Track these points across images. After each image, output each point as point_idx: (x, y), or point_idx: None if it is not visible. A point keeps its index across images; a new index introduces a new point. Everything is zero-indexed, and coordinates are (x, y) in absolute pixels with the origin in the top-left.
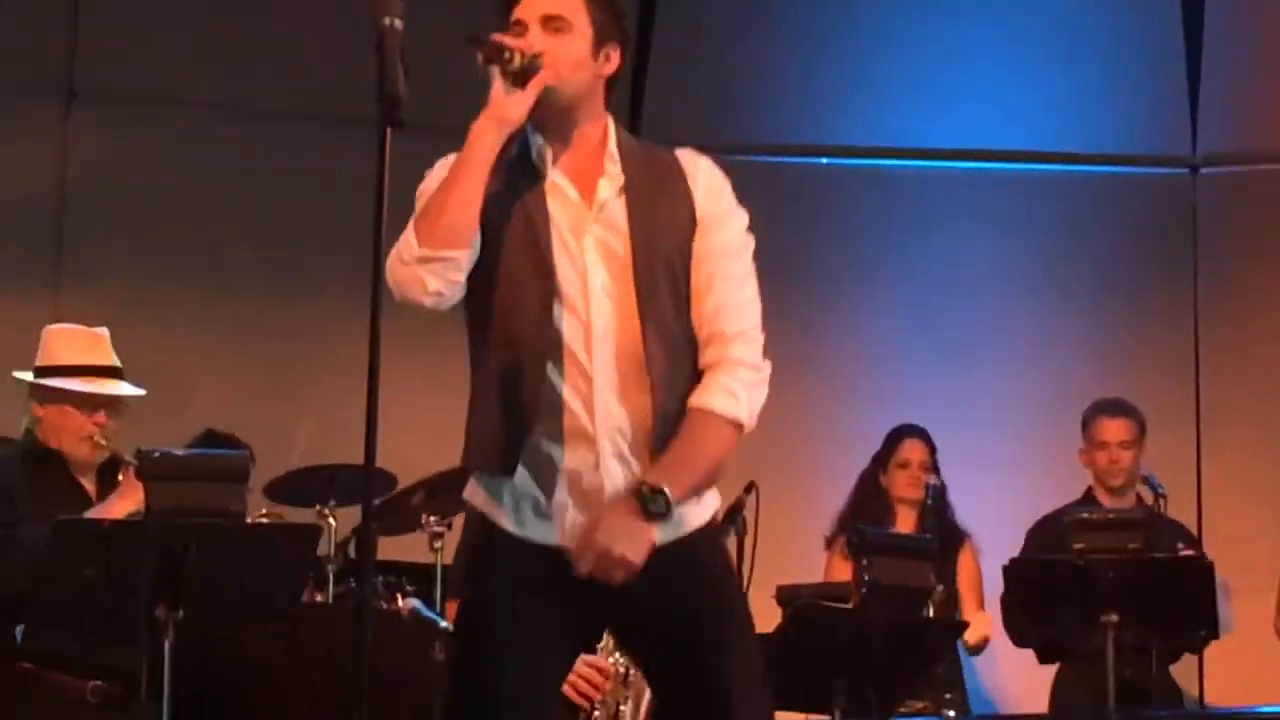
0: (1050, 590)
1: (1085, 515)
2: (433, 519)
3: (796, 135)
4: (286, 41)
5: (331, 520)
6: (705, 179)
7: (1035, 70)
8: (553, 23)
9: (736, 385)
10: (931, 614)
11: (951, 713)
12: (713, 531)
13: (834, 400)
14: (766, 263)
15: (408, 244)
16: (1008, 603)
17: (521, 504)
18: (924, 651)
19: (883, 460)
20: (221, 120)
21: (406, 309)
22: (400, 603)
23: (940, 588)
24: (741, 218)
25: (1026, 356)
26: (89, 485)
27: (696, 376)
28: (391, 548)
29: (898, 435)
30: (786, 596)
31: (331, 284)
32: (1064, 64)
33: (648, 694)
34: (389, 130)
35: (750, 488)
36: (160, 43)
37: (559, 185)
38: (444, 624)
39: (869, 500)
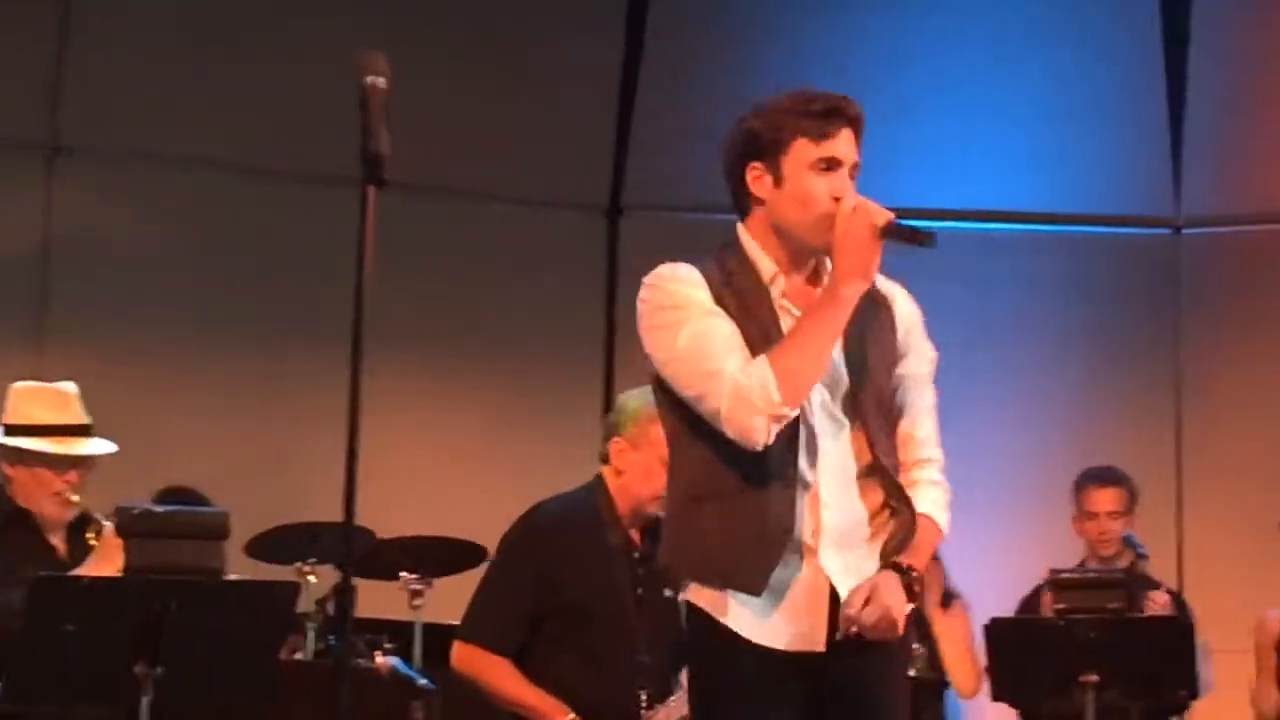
0: (1031, 649)
1: (1066, 575)
2: (412, 576)
3: None
4: (270, 97)
5: (311, 577)
6: (904, 306)
7: (1019, 130)
8: (853, 172)
9: (941, 497)
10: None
11: None
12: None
13: None
14: None
15: (767, 394)
16: (991, 662)
17: (765, 613)
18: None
19: None
20: (205, 176)
21: (387, 368)
22: (379, 660)
23: (919, 648)
24: (933, 350)
25: (1005, 415)
26: (59, 543)
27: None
28: (370, 605)
29: None
30: None
31: (312, 341)
32: (1047, 124)
33: None
34: (372, 189)
35: None
36: (143, 98)
37: (791, 312)
38: (422, 682)
39: None
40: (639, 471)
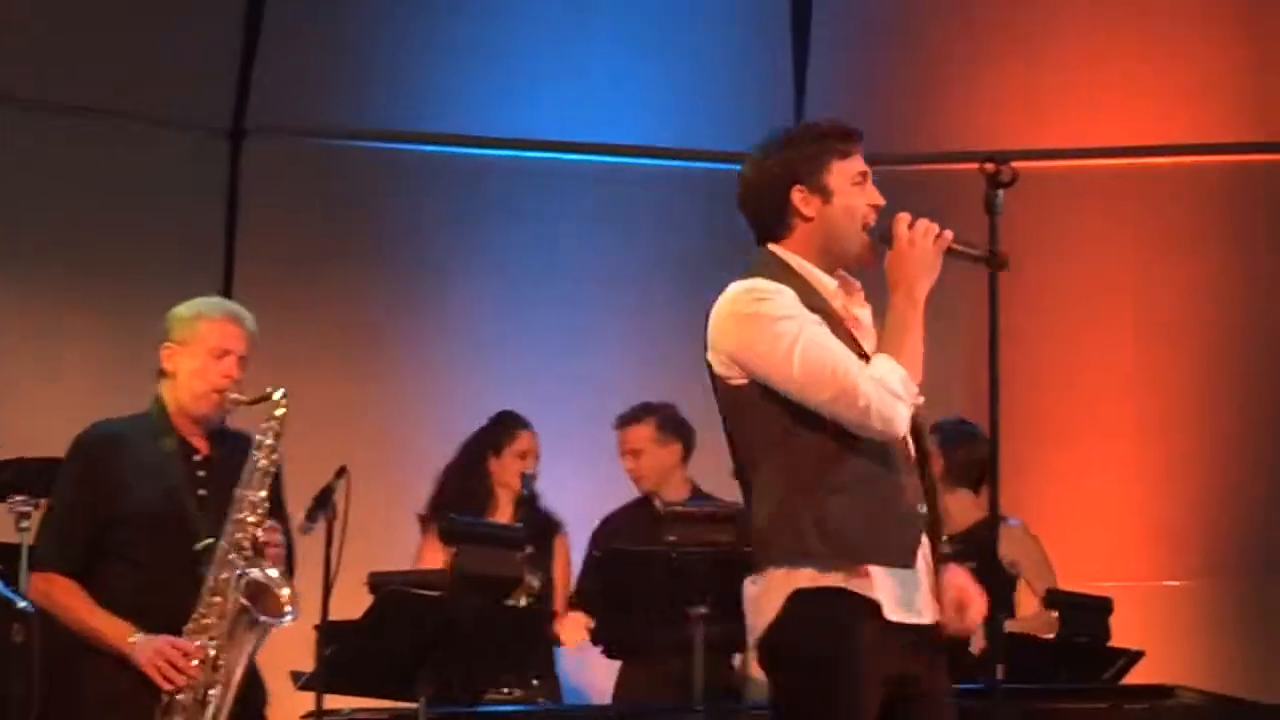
0: (640, 583)
1: (678, 508)
2: (19, 498)
3: (400, 123)
4: (113, 40)
5: None
6: None
7: (639, 66)
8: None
9: None
10: (522, 602)
11: (541, 699)
12: None
13: (427, 384)
14: (365, 247)
15: (907, 386)
16: (595, 593)
17: (904, 589)
18: (513, 640)
19: (496, 446)
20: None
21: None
22: None
23: (535, 576)
24: None
25: (622, 348)
26: None
27: None
28: None
29: (515, 423)
30: (378, 583)
31: None
32: (669, 61)
33: (237, 678)
34: None
35: (341, 472)
36: None
37: (856, 316)
38: (23, 604)
39: (470, 485)
40: (186, 372)
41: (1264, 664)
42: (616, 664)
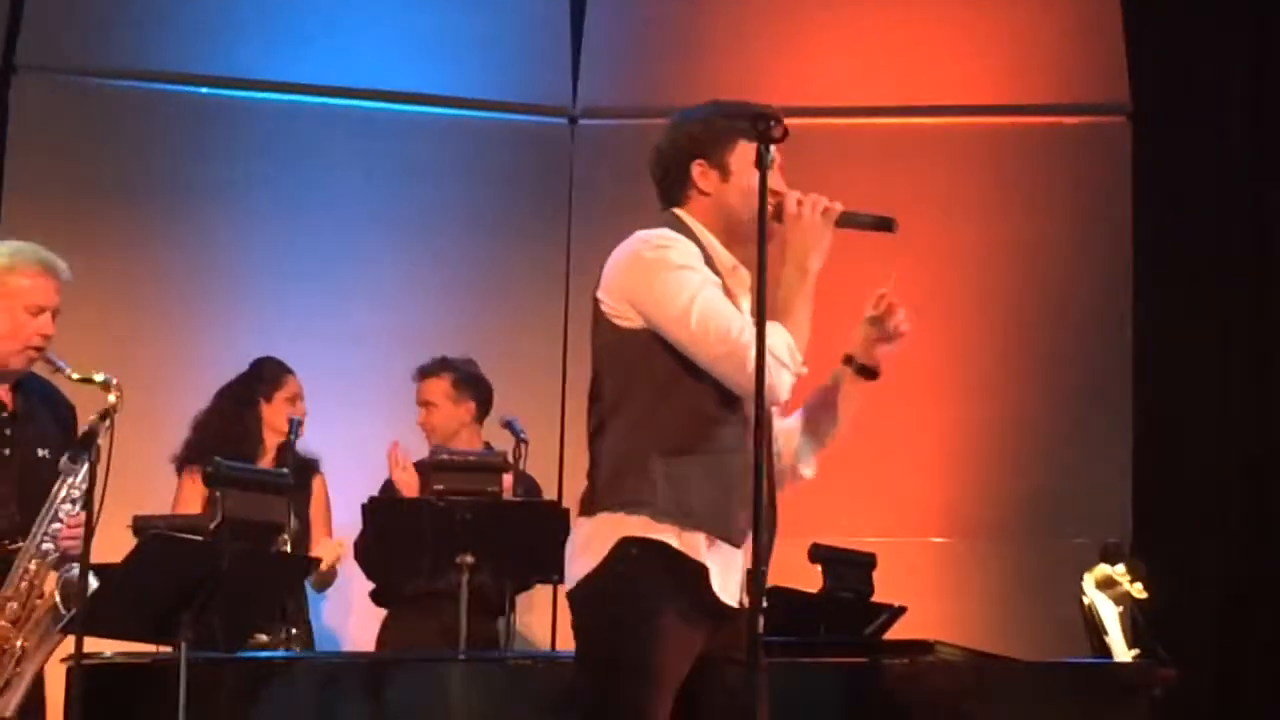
0: (407, 530)
1: (446, 457)
2: None
3: (174, 63)
4: None
5: None
6: None
7: (420, 12)
8: (782, 169)
9: None
10: (287, 549)
11: (296, 648)
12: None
13: (193, 326)
14: (135, 187)
15: (794, 355)
16: (364, 541)
17: (721, 569)
18: (275, 586)
19: (265, 393)
20: None
21: None
22: None
23: (295, 522)
24: None
25: (396, 296)
26: None
27: None
28: None
29: (281, 369)
30: (141, 526)
31: None
32: (451, 9)
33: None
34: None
35: (105, 414)
36: None
37: (745, 280)
38: None
39: (236, 430)
40: None
41: (1022, 623)
42: (379, 614)
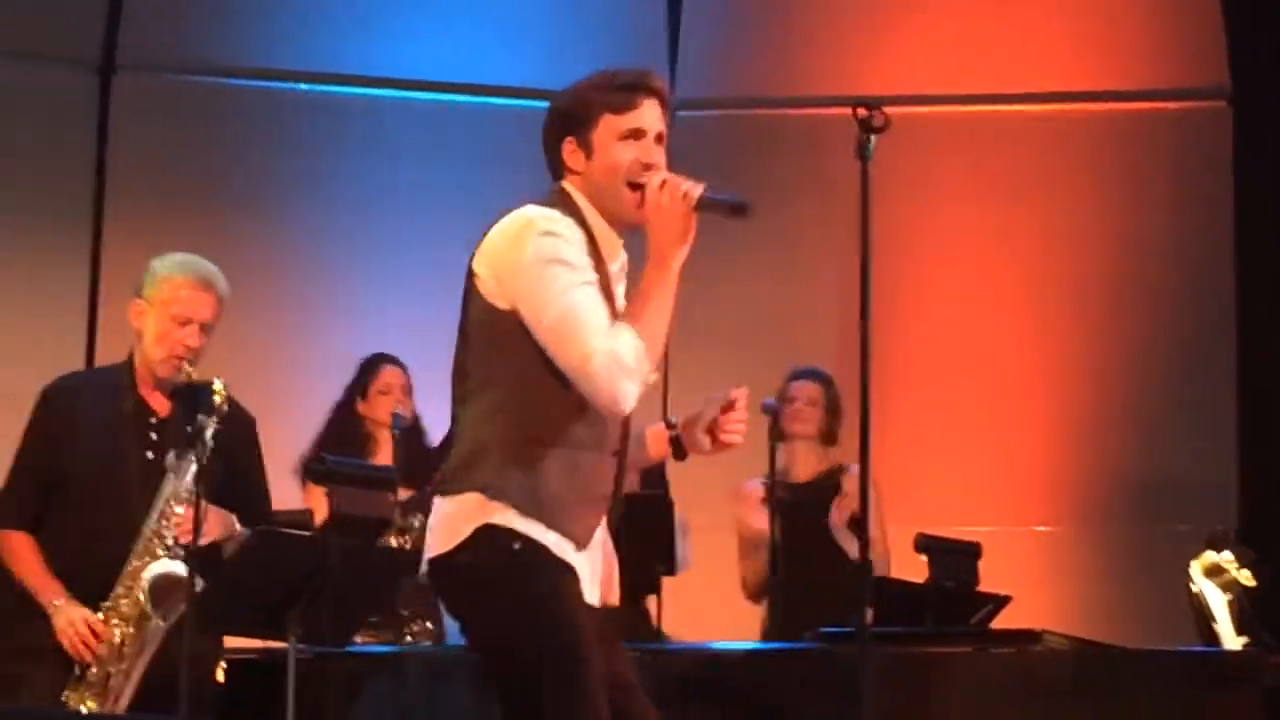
0: None
1: None
2: None
3: (257, 59)
4: None
5: None
6: None
7: (513, 4)
8: (660, 139)
9: None
10: (395, 544)
11: (427, 642)
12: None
13: (303, 327)
14: (237, 184)
15: (640, 361)
16: None
17: (579, 564)
18: (383, 581)
19: (362, 388)
20: None
21: None
22: None
23: (412, 519)
24: None
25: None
26: None
27: None
28: None
29: (376, 362)
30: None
31: None
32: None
33: (140, 668)
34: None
35: (211, 410)
36: None
37: (619, 276)
38: None
39: (347, 429)
40: (149, 334)
41: (1128, 610)
42: None
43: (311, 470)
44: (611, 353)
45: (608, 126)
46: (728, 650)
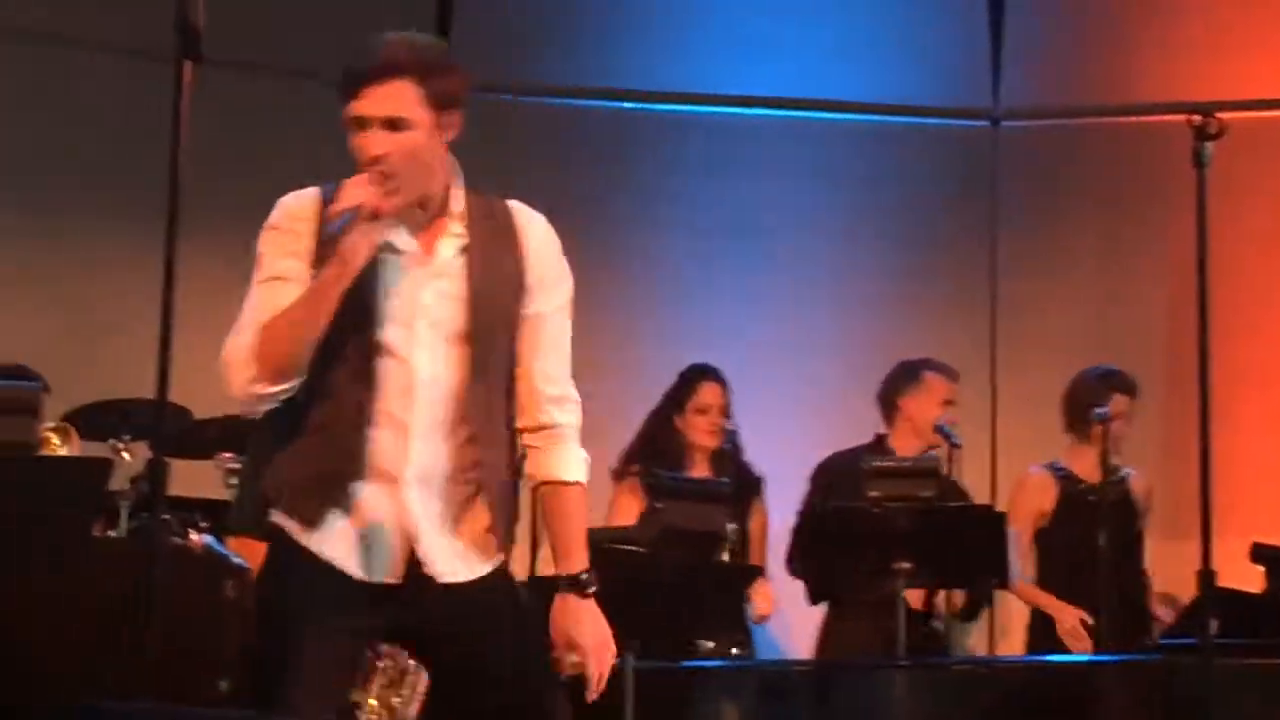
0: (844, 537)
1: (879, 463)
2: (228, 456)
3: (595, 78)
4: None
5: (126, 455)
6: (539, 241)
7: (837, 19)
8: (392, 124)
9: (579, 451)
10: (726, 557)
11: (735, 650)
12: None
13: (625, 337)
14: (562, 204)
15: (238, 359)
16: (800, 548)
17: (351, 542)
18: (716, 595)
19: (679, 402)
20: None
21: (201, 246)
22: (193, 538)
23: (734, 526)
24: (570, 280)
25: (824, 304)
26: None
27: (510, 428)
28: (187, 484)
29: (696, 376)
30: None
31: (127, 219)
32: (865, 13)
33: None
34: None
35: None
36: None
37: (396, 244)
38: (236, 560)
39: (663, 440)
40: None
41: None
42: (809, 624)
43: (647, 485)
44: (227, 348)
45: (344, 116)
46: (1062, 662)
